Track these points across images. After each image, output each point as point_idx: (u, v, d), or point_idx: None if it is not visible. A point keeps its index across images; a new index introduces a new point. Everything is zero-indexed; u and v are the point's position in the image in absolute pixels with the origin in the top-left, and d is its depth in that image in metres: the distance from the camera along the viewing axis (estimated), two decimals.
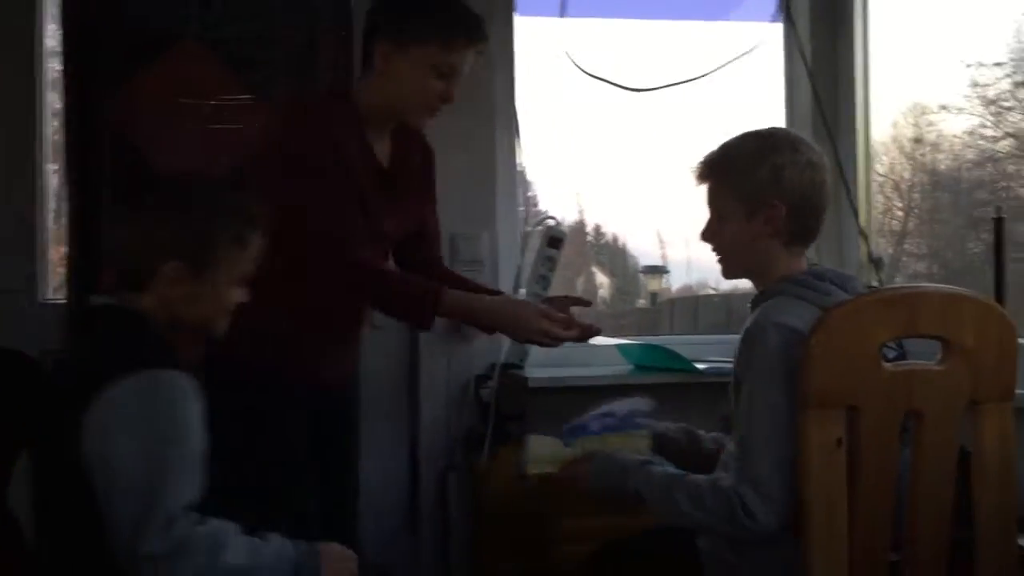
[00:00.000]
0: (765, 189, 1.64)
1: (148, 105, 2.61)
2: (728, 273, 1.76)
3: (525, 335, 1.92)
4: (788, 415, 1.51)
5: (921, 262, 3.18)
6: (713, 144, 1.74)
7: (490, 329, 2.01)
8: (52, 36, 2.71)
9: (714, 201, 1.71)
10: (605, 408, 1.86)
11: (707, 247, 1.77)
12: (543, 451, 1.84)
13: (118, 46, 2.60)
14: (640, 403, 1.88)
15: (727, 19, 3.09)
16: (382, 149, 2.00)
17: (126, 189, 2.56)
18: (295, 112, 1.97)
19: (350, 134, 1.92)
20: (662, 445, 1.83)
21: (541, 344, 1.92)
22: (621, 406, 1.86)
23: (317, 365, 1.97)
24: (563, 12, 2.59)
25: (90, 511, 1.36)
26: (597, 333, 1.99)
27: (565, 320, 1.92)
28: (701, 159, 1.73)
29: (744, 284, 1.85)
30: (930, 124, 2.97)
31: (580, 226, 4.34)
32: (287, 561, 1.43)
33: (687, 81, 2.69)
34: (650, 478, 1.63)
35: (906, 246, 3.22)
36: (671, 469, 1.66)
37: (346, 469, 2.11)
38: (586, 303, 2.16)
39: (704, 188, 1.73)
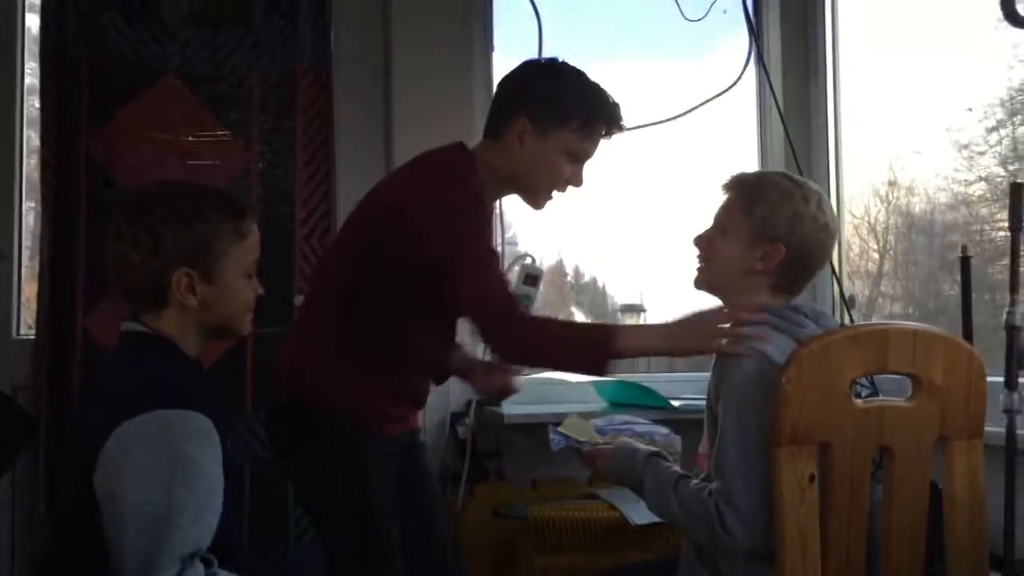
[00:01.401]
0: (777, 229, 1.67)
1: (127, 140, 2.63)
2: (701, 283, 1.77)
3: (706, 347, 1.69)
4: (760, 436, 1.53)
5: (896, 303, 3.20)
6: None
7: (676, 353, 1.85)
8: (31, 73, 2.72)
9: (725, 214, 1.73)
10: (625, 425, 1.97)
11: (693, 258, 1.78)
12: (578, 423, 1.93)
13: (97, 82, 2.62)
14: (656, 426, 1.99)
15: (701, 61, 3.15)
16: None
17: (102, 222, 2.56)
18: (444, 172, 1.87)
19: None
20: None
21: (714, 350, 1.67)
22: (640, 424, 1.97)
23: (410, 415, 2.00)
24: (540, 53, 2.62)
25: (99, 543, 1.34)
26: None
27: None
28: (736, 174, 1.76)
29: None
30: (903, 168, 3.01)
31: (559, 267, 4.34)
32: None
33: (661, 122, 2.73)
34: (656, 472, 1.68)
35: (882, 287, 3.24)
36: (676, 468, 1.69)
37: (436, 500, 2.10)
38: None
39: (719, 200, 1.76)
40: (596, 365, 1.72)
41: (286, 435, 1.84)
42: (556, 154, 1.87)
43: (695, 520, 1.58)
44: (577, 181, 1.92)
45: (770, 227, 1.67)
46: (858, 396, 1.60)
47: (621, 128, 1.92)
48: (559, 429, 1.92)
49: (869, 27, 3.01)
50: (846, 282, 2.97)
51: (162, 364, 1.47)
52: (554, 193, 1.93)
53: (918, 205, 3.04)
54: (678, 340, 1.72)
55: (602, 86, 1.92)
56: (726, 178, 1.76)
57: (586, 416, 2.02)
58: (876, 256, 3.16)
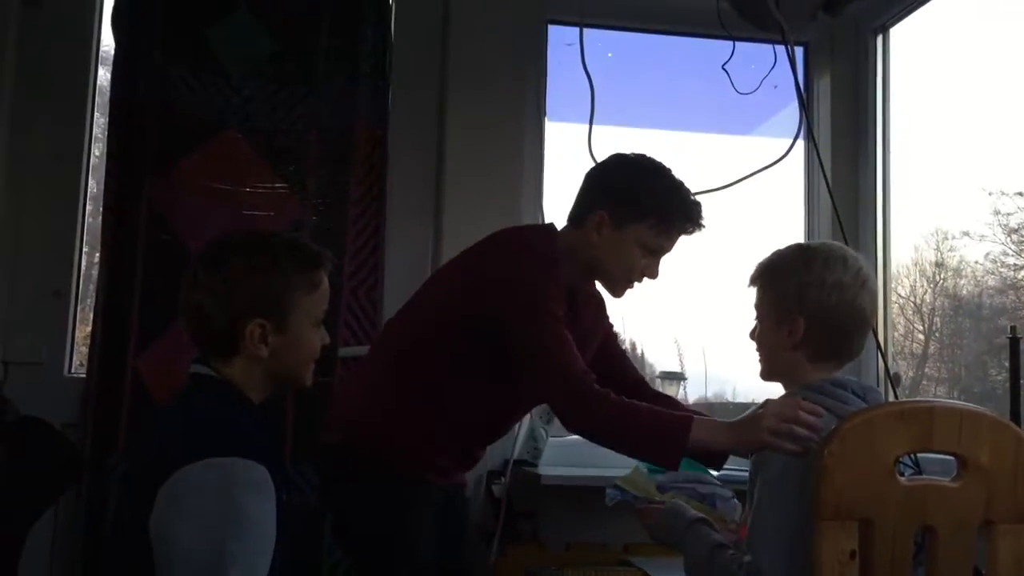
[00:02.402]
0: (789, 304, 1.68)
1: (186, 189, 2.71)
2: (764, 375, 1.80)
3: (764, 444, 1.64)
4: (796, 514, 1.51)
5: (941, 386, 3.16)
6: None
7: (739, 451, 1.79)
8: (95, 123, 2.83)
9: (757, 306, 1.77)
10: (687, 482, 1.94)
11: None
12: (638, 479, 1.91)
13: (162, 133, 2.71)
14: (721, 489, 1.95)
15: (750, 135, 3.18)
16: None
17: (159, 269, 2.63)
18: (524, 248, 1.94)
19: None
20: None
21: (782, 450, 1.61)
22: (704, 486, 1.93)
23: (455, 470, 2.03)
24: (591, 121, 2.66)
25: None
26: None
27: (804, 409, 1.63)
28: (757, 264, 1.78)
29: (759, 395, 1.88)
30: (951, 249, 2.99)
31: None
32: None
33: (709, 191, 2.74)
34: (699, 538, 1.67)
35: (927, 369, 3.19)
36: (719, 537, 1.68)
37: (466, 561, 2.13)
38: None
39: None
40: (668, 458, 1.75)
41: (332, 478, 1.86)
42: (631, 247, 1.92)
43: None
44: (652, 273, 1.97)
45: (783, 305, 1.69)
46: (901, 475, 1.58)
47: (699, 226, 1.96)
48: (617, 482, 1.91)
49: (921, 107, 3.03)
50: (891, 361, 2.94)
51: (227, 410, 1.49)
52: (634, 284, 1.97)
53: (966, 287, 3.01)
54: (741, 439, 1.71)
55: (682, 184, 1.97)
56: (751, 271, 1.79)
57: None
58: (922, 337, 3.13)
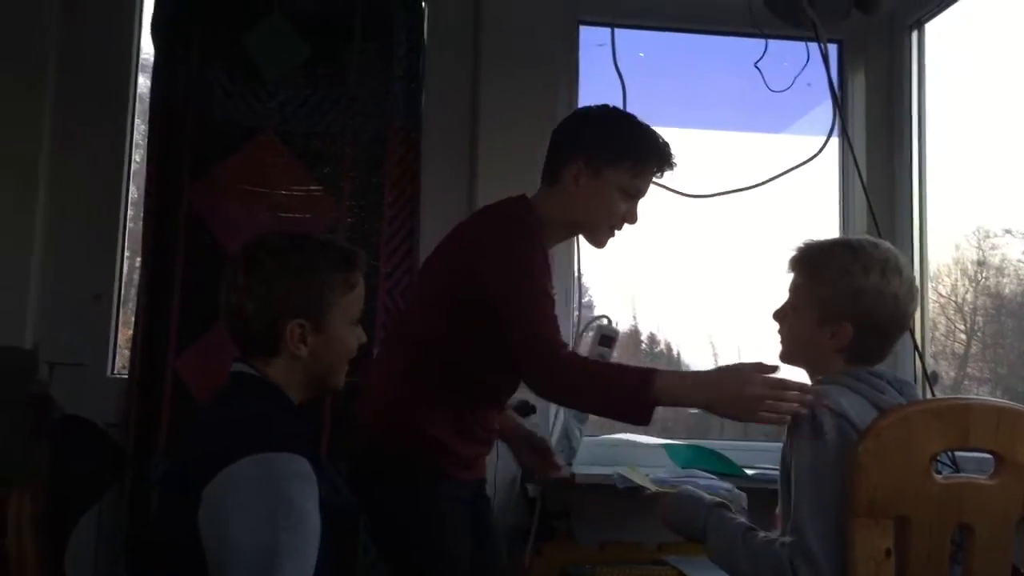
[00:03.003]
0: (840, 307, 1.66)
1: (224, 193, 2.75)
2: (785, 358, 1.78)
3: (747, 414, 1.67)
4: (837, 494, 1.51)
5: (984, 386, 3.12)
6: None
7: (709, 409, 1.76)
8: (137, 130, 2.88)
9: (794, 291, 1.75)
10: (687, 477, 1.93)
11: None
12: (635, 473, 1.97)
13: (200, 138, 2.76)
14: (717, 481, 1.94)
15: (784, 133, 3.16)
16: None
17: (199, 271, 2.67)
18: (499, 216, 1.98)
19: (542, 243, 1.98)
20: None
21: (761, 421, 1.65)
22: (702, 479, 1.93)
23: (480, 458, 2.05)
24: None
25: None
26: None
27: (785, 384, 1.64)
28: (796, 248, 1.76)
29: None
30: (993, 248, 2.95)
31: (634, 333, 4.33)
32: None
33: (743, 189, 2.74)
34: (721, 522, 1.66)
35: (969, 370, 3.15)
36: (742, 520, 1.67)
37: (498, 551, 2.13)
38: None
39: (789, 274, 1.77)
40: (636, 413, 1.73)
41: (365, 479, 1.88)
42: (611, 192, 1.96)
43: (763, 572, 1.55)
44: (632, 218, 2.01)
45: (833, 307, 1.66)
46: (938, 473, 1.57)
47: (671, 165, 2.01)
48: (619, 471, 1.94)
49: (957, 103, 2.99)
50: (931, 361, 2.91)
51: (269, 407, 1.52)
52: (615, 231, 2.01)
53: (1008, 286, 2.97)
54: (719, 400, 1.69)
55: (650, 127, 2.02)
56: (791, 252, 1.77)
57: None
58: (963, 337, 3.09)
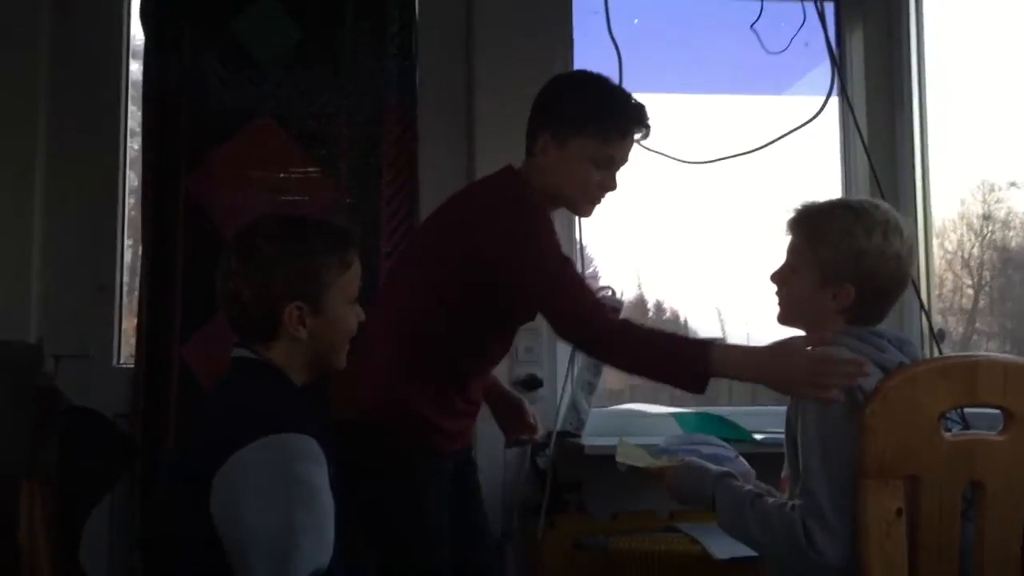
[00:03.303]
0: (842, 269, 1.65)
1: (222, 178, 2.74)
2: (783, 319, 1.77)
3: (796, 390, 1.64)
4: (845, 452, 1.51)
5: (993, 340, 3.11)
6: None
7: (761, 382, 1.75)
8: (132, 117, 2.87)
9: (793, 253, 1.74)
10: (690, 444, 1.95)
11: (768, 313, 1.79)
12: (632, 450, 1.93)
13: (196, 124, 2.75)
14: (726, 449, 1.96)
15: (784, 94, 3.13)
16: None
17: (200, 258, 2.67)
18: (506, 198, 1.93)
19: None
20: None
21: (810, 397, 1.60)
22: (707, 447, 1.94)
23: (466, 429, 2.05)
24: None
25: (220, 566, 1.38)
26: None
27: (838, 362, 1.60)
28: (796, 209, 1.75)
29: None
30: (998, 201, 2.93)
31: (640, 301, 4.32)
32: None
33: (742, 154, 2.71)
34: (729, 490, 1.67)
35: (977, 325, 3.15)
36: (749, 487, 1.68)
37: (483, 520, 2.14)
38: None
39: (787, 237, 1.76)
40: (695, 383, 1.71)
41: (347, 453, 1.88)
42: (579, 162, 1.91)
43: (776, 537, 1.56)
44: (610, 185, 1.95)
45: (835, 268, 1.66)
46: (948, 431, 1.57)
47: (642, 129, 1.94)
48: (617, 459, 1.94)
49: (957, 55, 2.96)
50: (938, 318, 2.90)
51: (273, 390, 1.52)
52: (598, 199, 1.97)
53: (1014, 239, 2.96)
54: (770, 377, 1.68)
55: (621, 90, 1.96)
56: (790, 213, 1.75)
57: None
58: (971, 292, 3.08)
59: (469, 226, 1.90)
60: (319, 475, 1.42)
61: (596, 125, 1.89)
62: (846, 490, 1.51)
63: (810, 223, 1.72)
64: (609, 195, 1.99)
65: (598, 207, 2.01)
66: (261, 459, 1.39)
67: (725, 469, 1.75)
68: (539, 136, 1.94)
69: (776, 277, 1.76)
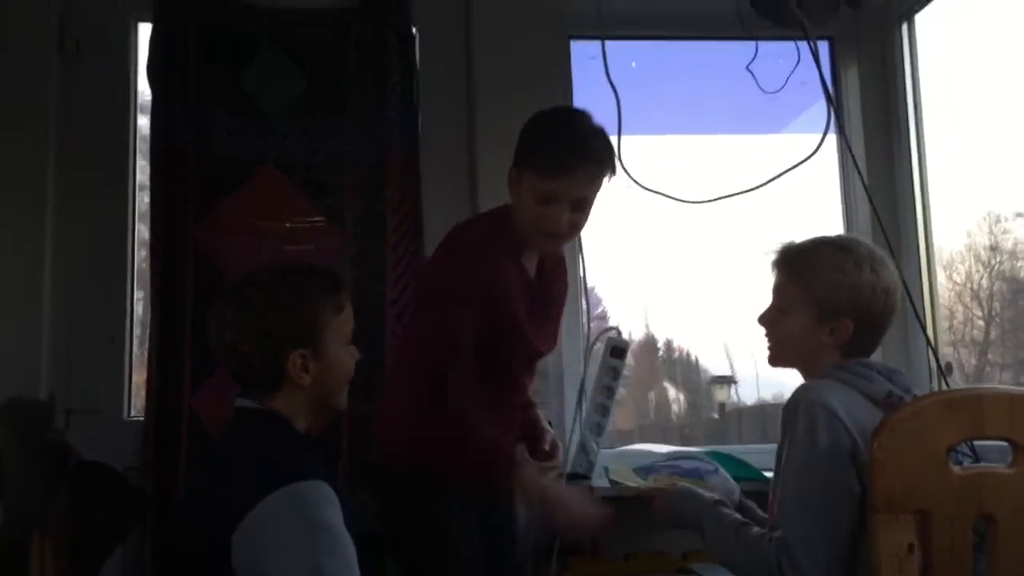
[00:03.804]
0: (839, 304, 1.69)
1: (229, 229, 2.77)
2: (775, 361, 1.79)
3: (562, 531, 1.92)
4: (823, 487, 1.55)
5: (1006, 372, 3.10)
6: (785, 241, 1.80)
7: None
8: (142, 171, 2.90)
9: (781, 293, 1.76)
10: (671, 460, 2.01)
11: (762, 332, 1.80)
12: (622, 470, 1.99)
13: (203, 176, 2.78)
14: (705, 463, 2.00)
15: (781, 132, 3.16)
16: (531, 266, 2.07)
17: (208, 309, 2.68)
18: (451, 245, 2.02)
19: (508, 253, 1.99)
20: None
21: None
22: (687, 461, 1.98)
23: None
24: (619, 131, 2.68)
25: None
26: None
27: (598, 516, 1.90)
28: (780, 249, 1.77)
29: None
30: (1005, 232, 2.94)
31: (651, 341, 4.32)
32: None
33: (742, 192, 2.73)
34: (719, 518, 1.69)
35: (989, 356, 3.14)
36: (738, 516, 1.70)
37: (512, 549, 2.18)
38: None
39: (773, 275, 1.78)
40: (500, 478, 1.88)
41: (385, 498, 1.90)
42: (527, 198, 1.92)
43: (757, 567, 1.58)
44: (556, 220, 1.90)
45: (831, 304, 1.69)
46: (959, 463, 1.57)
47: (588, 163, 1.89)
48: (612, 477, 1.96)
49: (954, 87, 2.99)
50: (949, 350, 2.89)
51: (280, 439, 1.54)
52: (556, 235, 1.96)
53: (1023, 270, 2.96)
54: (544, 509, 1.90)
55: (571, 125, 1.94)
56: (773, 254, 1.78)
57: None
58: (981, 323, 3.08)
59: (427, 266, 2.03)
60: (338, 518, 1.43)
61: (535, 160, 1.91)
62: (821, 529, 1.54)
63: (798, 261, 1.75)
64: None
65: (571, 244, 2.13)
66: (280, 510, 1.39)
67: (717, 497, 1.77)
68: (511, 171, 1.99)
69: (765, 319, 1.78)
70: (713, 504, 1.73)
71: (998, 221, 2.91)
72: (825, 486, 1.54)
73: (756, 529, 1.64)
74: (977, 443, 1.82)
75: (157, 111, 2.80)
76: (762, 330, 1.81)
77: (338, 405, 1.65)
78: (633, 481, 1.93)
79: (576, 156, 1.88)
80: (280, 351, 1.54)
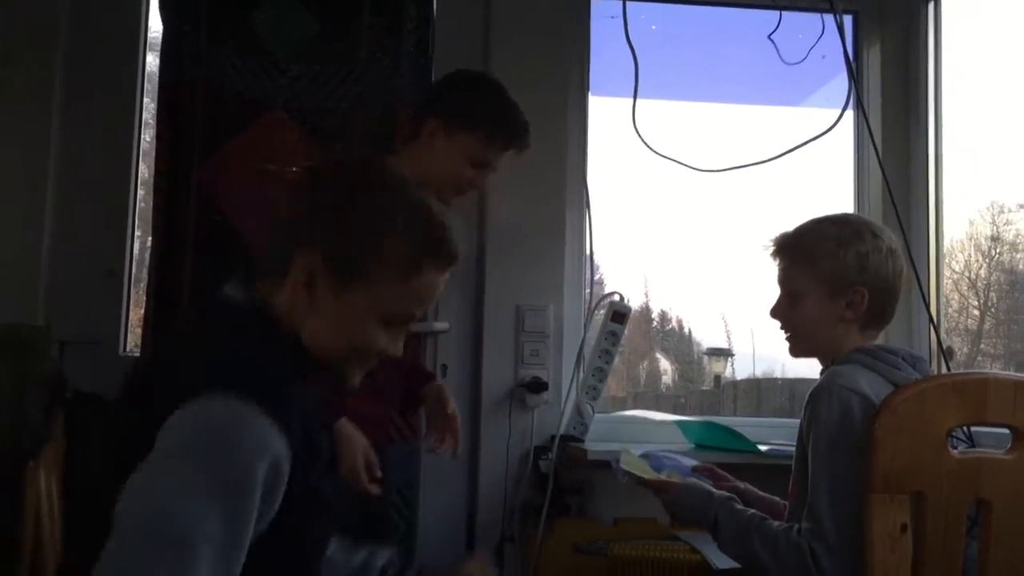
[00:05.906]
0: (850, 275, 1.68)
1: (233, 170, 2.74)
2: (797, 352, 1.78)
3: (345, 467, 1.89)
4: (853, 476, 1.52)
5: (997, 362, 3.10)
6: (783, 226, 1.78)
7: None
8: (146, 109, 2.87)
9: (789, 281, 1.74)
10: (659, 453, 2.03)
11: (775, 326, 1.79)
12: (635, 460, 1.97)
13: (211, 115, 2.75)
14: (687, 461, 2.02)
15: (799, 106, 3.13)
16: None
17: (209, 250, 2.67)
18: None
19: None
20: None
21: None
22: (671, 460, 2.00)
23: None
24: (635, 94, 2.65)
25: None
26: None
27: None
28: (776, 238, 1.77)
29: (810, 372, 1.86)
30: (1007, 223, 2.93)
31: (646, 311, 4.32)
32: None
33: (755, 164, 2.71)
34: (733, 513, 1.68)
35: (982, 346, 3.14)
36: (753, 511, 1.69)
37: None
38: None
39: (775, 267, 1.77)
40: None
41: None
42: (459, 156, 2.09)
43: (781, 559, 1.56)
44: (477, 185, 2.16)
45: (842, 276, 1.69)
46: (954, 448, 1.57)
47: (521, 146, 2.15)
48: (623, 467, 1.94)
49: (974, 75, 2.95)
50: (943, 337, 2.89)
51: (239, 336, 1.17)
52: (462, 192, 2.14)
53: (1023, 262, 2.95)
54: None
55: (516, 105, 2.15)
56: (770, 245, 1.77)
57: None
58: (977, 313, 3.07)
59: None
60: (254, 467, 1.04)
61: (486, 129, 2.09)
62: (851, 513, 1.51)
63: (797, 245, 1.74)
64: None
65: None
66: (192, 422, 1.05)
67: (727, 493, 1.77)
68: (428, 121, 2.11)
69: (778, 311, 1.77)
70: (726, 499, 1.72)
71: (1001, 211, 2.89)
72: (854, 472, 1.52)
73: (770, 523, 1.63)
74: (973, 428, 1.82)
75: (166, 48, 2.75)
76: (767, 317, 1.79)
77: (341, 376, 1.24)
78: (646, 474, 1.92)
79: (526, 137, 2.14)
80: (299, 245, 1.17)
